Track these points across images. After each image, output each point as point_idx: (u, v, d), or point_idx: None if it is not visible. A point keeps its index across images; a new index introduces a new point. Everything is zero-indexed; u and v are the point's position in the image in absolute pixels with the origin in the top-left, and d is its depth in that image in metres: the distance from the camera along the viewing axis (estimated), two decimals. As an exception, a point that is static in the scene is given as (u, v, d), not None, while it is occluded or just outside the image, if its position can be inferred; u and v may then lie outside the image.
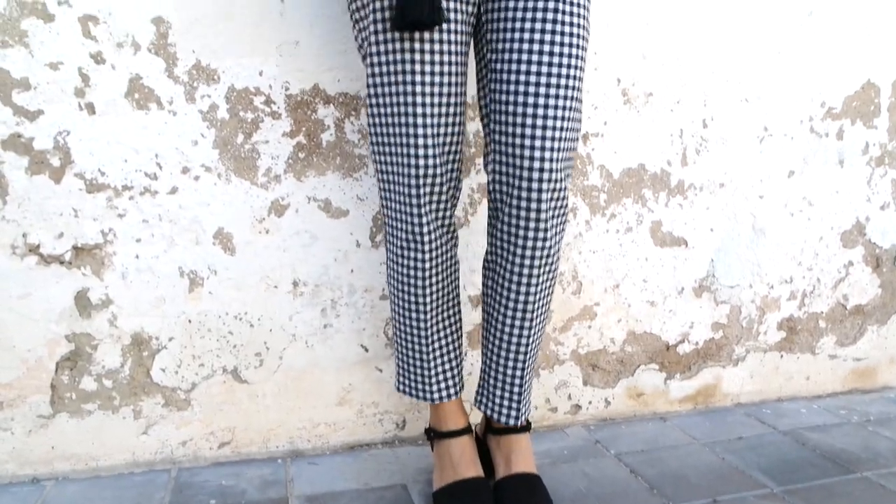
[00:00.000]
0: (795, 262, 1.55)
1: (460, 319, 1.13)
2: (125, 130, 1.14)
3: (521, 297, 1.00)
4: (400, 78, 0.93)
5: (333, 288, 1.27)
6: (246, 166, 1.20)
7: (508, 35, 0.94)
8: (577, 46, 0.93)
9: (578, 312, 1.42)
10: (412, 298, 1.05)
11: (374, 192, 1.27)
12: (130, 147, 1.15)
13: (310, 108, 1.21)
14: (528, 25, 0.93)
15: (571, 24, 0.93)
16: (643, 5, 1.35)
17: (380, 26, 0.93)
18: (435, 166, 0.97)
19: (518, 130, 0.93)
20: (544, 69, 0.92)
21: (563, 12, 0.92)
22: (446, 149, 0.99)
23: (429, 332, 1.07)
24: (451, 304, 1.10)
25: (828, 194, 1.54)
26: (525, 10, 0.93)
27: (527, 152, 0.93)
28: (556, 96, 0.92)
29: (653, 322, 1.47)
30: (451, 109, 0.97)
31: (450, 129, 0.98)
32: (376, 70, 0.95)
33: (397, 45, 0.92)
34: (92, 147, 1.13)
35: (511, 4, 0.94)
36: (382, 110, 0.97)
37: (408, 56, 0.92)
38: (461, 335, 1.13)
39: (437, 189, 0.99)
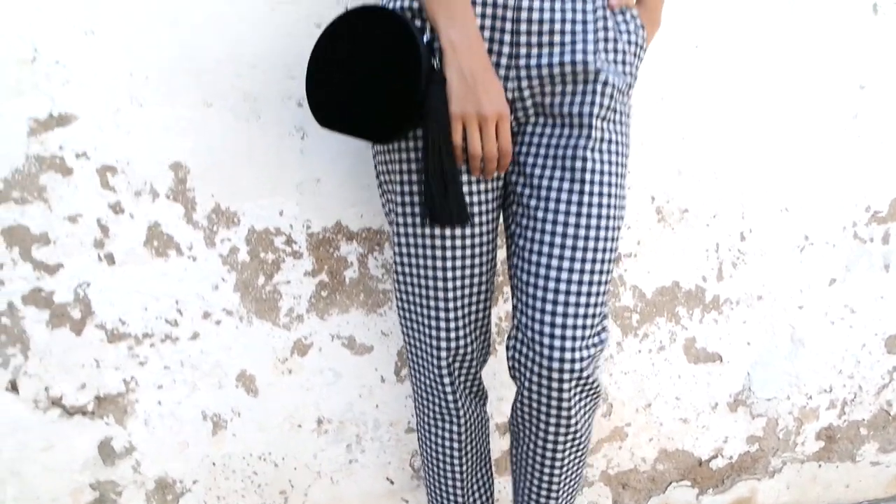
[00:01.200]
0: (836, 371, 1.47)
1: (492, 476, 1.09)
2: (145, 279, 1.11)
3: (546, 472, 0.94)
4: (429, 262, 0.88)
5: (358, 423, 1.23)
6: (267, 308, 1.16)
7: (532, 209, 0.86)
8: (609, 217, 0.85)
9: (609, 434, 1.36)
10: (447, 468, 1.00)
11: (398, 327, 1.22)
12: (150, 295, 1.11)
13: (332, 246, 1.16)
14: (553, 195, 0.85)
15: (601, 184, 0.84)
16: (679, 121, 1.27)
17: (408, 209, 0.87)
18: (465, 345, 0.92)
19: (539, 317, 0.84)
20: (567, 253, 0.83)
21: (594, 171, 0.83)
22: (476, 325, 0.93)
23: (464, 496, 1.03)
24: (483, 463, 1.05)
25: (871, 300, 1.45)
26: (553, 170, 0.85)
27: (546, 350, 0.83)
28: (581, 282, 0.83)
29: (685, 439, 1.41)
30: (481, 288, 0.92)
31: (479, 307, 0.93)
32: (403, 251, 0.90)
33: (427, 235, 0.87)
34: (112, 297, 1.10)
35: (537, 164, 0.86)
36: (410, 289, 0.91)
37: (438, 242, 0.86)
38: (492, 493, 1.09)
39: (466, 364, 0.94)
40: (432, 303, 0.89)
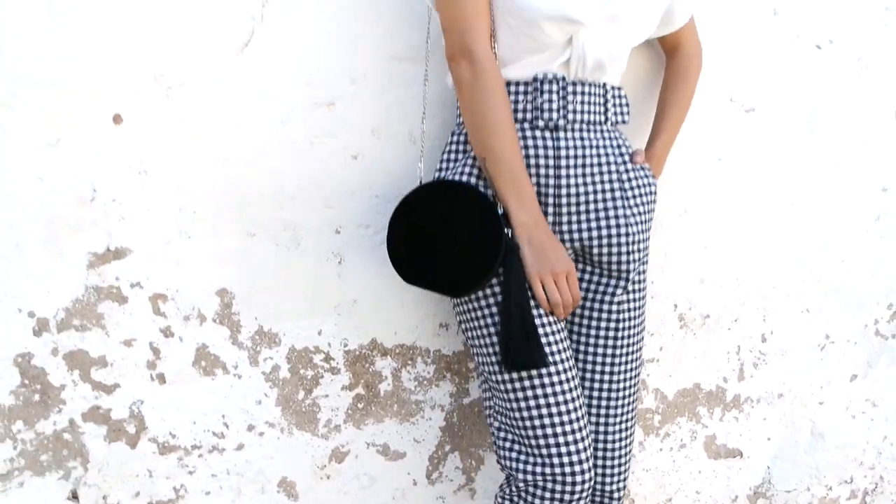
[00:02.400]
0: (857, 463, 1.48)
1: None
2: (193, 396, 1.17)
3: None
4: (532, 403, 0.93)
5: (391, 523, 1.29)
6: (307, 419, 1.21)
7: (574, 342, 1.04)
8: (638, 349, 1.04)
9: (631, 527, 1.40)
10: None
11: (430, 432, 1.27)
12: (199, 411, 1.18)
13: (367, 362, 1.21)
14: (592, 333, 1.02)
15: (632, 319, 1.02)
16: (702, 231, 1.29)
17: (493, 359, 0.96)
18: (589, 468, 0.95)
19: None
20: (602, 389, 1.02)
21: (627, 310, 1.01)
22: (588, 443, 0.97)
23: None
24: None
25: (894, 394, 1.46)
26: (591, 311, 1.02)
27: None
28: (617, 415, 1.03)
29: (706, 529, 1.44)
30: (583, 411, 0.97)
31: (586, 428, 0.97)
32: (508, 395, 0.95)
33: (514, 380, 0.94)
34: (163, 413, 1.17)
35: (585, 307, 1.02)
36: (521, 433, 0.96)
37: (527, 383, 0.93)
38: None
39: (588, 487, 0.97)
40: (549, 433, 0.93)
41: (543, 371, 0.92)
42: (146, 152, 1.09)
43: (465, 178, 0.97)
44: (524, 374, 0.93)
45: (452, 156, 1.01)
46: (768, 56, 1.26)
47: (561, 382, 0.93)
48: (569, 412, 0.93)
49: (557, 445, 0.92)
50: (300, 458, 1.22)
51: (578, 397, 0.96)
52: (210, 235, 1.12)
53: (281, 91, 1.10)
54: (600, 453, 1.02)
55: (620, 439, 1.03)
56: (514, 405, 0.94)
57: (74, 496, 1.16)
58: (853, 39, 1.29)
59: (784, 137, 1.30)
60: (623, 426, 1.03)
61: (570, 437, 0.93)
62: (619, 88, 1.02)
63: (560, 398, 0.93)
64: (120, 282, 1.11)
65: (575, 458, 0.93)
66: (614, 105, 1.01)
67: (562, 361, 0.94)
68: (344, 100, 1.12)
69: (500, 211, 0.92)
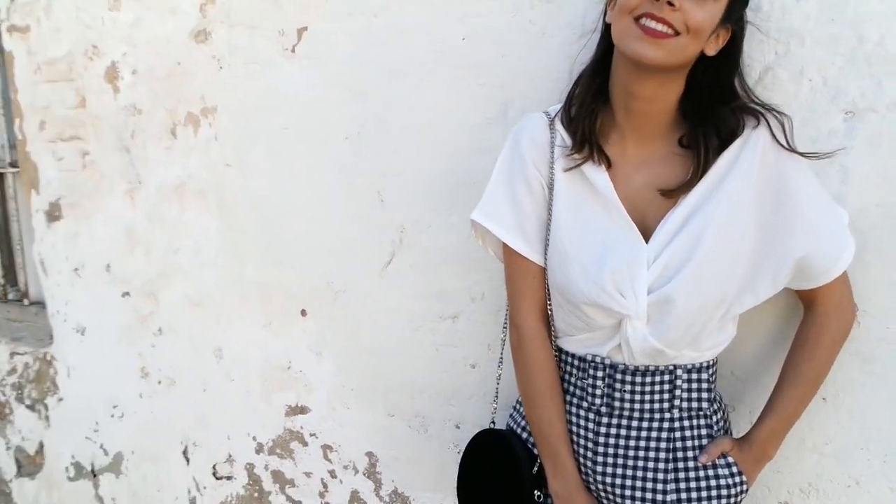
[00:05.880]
0: None
1: None
2: (349, 526, 1.42)
3: None
4: None
5: None
6: (429, 573, 1.35)
7: None
8: None
9: None
10: None
11: None
12: (351, 538, 1.42)
13: (480, 542, 1.28)
14: None
15: None
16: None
17: None
18: None
19: None
20: None
21: None
22: None
23: None
24: None
25: None
26: None
27: None
28: None
29: None
30: None
31: None
32: None
33: None
34: (329, 533, 1.45)
35: None
36: None
37: None
38: None
39: None
40: None
41: None
42: (320, 340, 1.34)
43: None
44: None
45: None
46: None
47: None
48: None
49: None
50: None
51: None
52: (363, 409, 1.33)
53: (414, 303, 1.22)
54: None
55: None
56: None
57: (275, 570, 1.54)
58: None
59: None
60: None
61: None
62: (701, 370, 0.85)
63: None
64: (303, 430, 1.41)
65: None
66: (687, 391, 0.85)
67: None
68: (465, 315, 1.18)
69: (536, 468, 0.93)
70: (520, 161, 0.89)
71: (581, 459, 0.89)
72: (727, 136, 0.81)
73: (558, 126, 0.88)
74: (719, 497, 0.84)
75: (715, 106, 0.81)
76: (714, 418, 0.87)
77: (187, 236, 1.48)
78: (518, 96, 1.08)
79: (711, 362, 0.87)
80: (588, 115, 0.84)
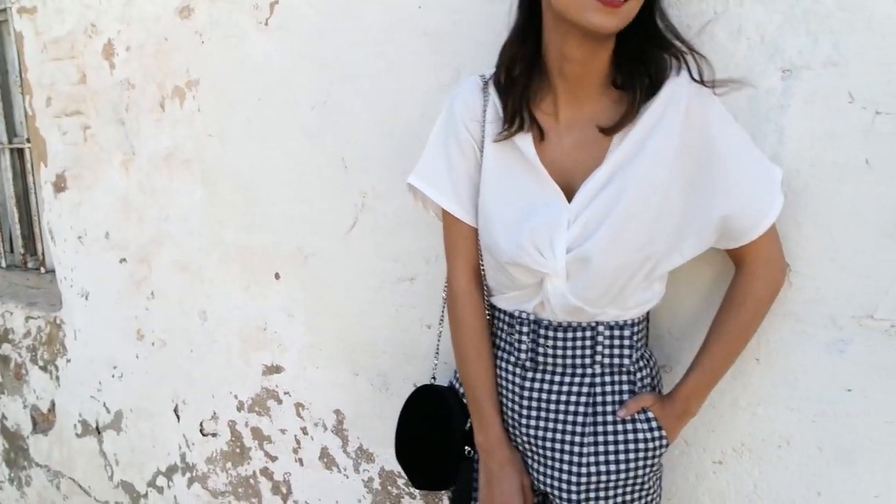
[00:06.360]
0: None
1: None
2: (319, 481, 1.47)
3: None
4: None
5: None
6: (392, 527, 1.40)
7: None
8: None
9: None
10: None
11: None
12: (322, 491, 1.47)
13: (437, 494, 1.32)
14: None
15: None
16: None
17: None
18: None
19: None
20: None
21: None
22: None
23: None
24: None
25: None
26: None
27: None
28: None
29: None
30: None
31: None
32: None
33: None
34: (301, 487, 1.50)
35: None
36: None
37: None
38: None
39: None
40: None
41: None
42: (292, 302, 1.40)
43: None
44: None
45: None
46: None
47: None
48: None
49: None
50: (387, 555, 1.42)
51: None
52: (330, 368, 1.38)
53: (376, 265, 1.27)
54: None
55: None
56: None
57: (255, 523, 1.62)
58: None
59: None
60: None
61: None
62: (624, 327, 0.86)
63: None
64: (278, 389, 1.47)
65: None
66: (609, 347, 0.86)
67: None
68: (421, 276, 1.22)
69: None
70: (454, 125, 0.91)
71: (509, 413, 0.92)
72: (657, 76, 0.80)
73: (491, 90, 0.89)
74: (637, 451, 0.86)
75: (643, 47, 0.81)
76: (638, 375, 0.89)
77: (175, 204, 1.56)
78: (469, 61, 1.10)
79: (637, 320, 0.88)
80: (519, 85, 0.84)
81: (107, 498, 1.94)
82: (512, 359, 0.91)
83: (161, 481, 1.78)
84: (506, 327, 0.92)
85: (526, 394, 0.89)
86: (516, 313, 0.89)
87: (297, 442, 1.47)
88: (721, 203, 0.81)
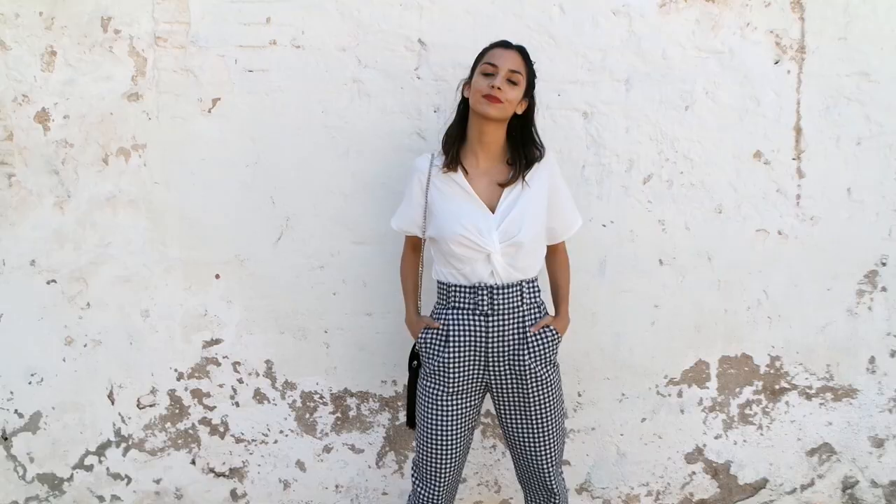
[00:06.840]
0: (650, 473, 2.23)
1: None
2: (253, 413, 2.14)
3: None
4: (418, 443, 1.82)
5: (356, 489, 2.21)
6: (310, 430, 2.15)
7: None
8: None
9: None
10: None
11: (377, 439, 2.18)
12: (255, 421, 2.14)
13: (342, 400, 2.14)
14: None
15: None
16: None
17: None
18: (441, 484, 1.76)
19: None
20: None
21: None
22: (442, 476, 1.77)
23: None
24: None
25: (674, 429, 2.21)
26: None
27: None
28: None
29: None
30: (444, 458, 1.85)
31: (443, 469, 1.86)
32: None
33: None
34: (238, 421, 2.14)
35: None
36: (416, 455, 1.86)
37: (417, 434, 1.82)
38: None
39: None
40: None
41: (422, 429, 1.73)
42: (230, 292, 2.08)
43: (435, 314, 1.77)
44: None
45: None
46: None
47: (432, 438, 1.69)
48: (432, 455, 1.72)
49: (426, 469, 1.75)
50: (306, 450, 2.16)
51: (443, 450, 1.70)
52: (262, 332, 2.10)
53: (296, 261, 2.06)
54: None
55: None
56: (415, 442, 1.80)
57: (193, 463, 2.16)
58: None
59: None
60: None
61: (431, 468, 1.74)
62: (532, 282, 1.69)
63: (430, 446, 1.70)
64: (217, 356, 2.11)
65: (434, 477, 1.73)
66: (529, 294, 1.68)
67: (436, 427, 1.67)
68: (329, 264, 2.07)
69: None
70: (415, 175, 1.74)
71: (476, 343, 1.66)
72: (530, 158, 1.70)
73: (436, 158, 1.75)
74: (547, 344, 1.73)
75: (523, 142, 1.70)
76: (541, 308, 1.75)
77: (118, 233, 2.06)
78: (354, 146, 2.02)
79: (536, 277, 1.75)
80: (454, 147, 1.66)
81: (16, 497, 2.16)
82: (478, 311, 1.68)
83: (90, 460, 2.15)
84: (468, 296, 1.65)
85: (490, 331, 1.69)
86: (478, 284, 1.69)
87: (234, 391, 2.12)
88: (553, 220, 1.80)
